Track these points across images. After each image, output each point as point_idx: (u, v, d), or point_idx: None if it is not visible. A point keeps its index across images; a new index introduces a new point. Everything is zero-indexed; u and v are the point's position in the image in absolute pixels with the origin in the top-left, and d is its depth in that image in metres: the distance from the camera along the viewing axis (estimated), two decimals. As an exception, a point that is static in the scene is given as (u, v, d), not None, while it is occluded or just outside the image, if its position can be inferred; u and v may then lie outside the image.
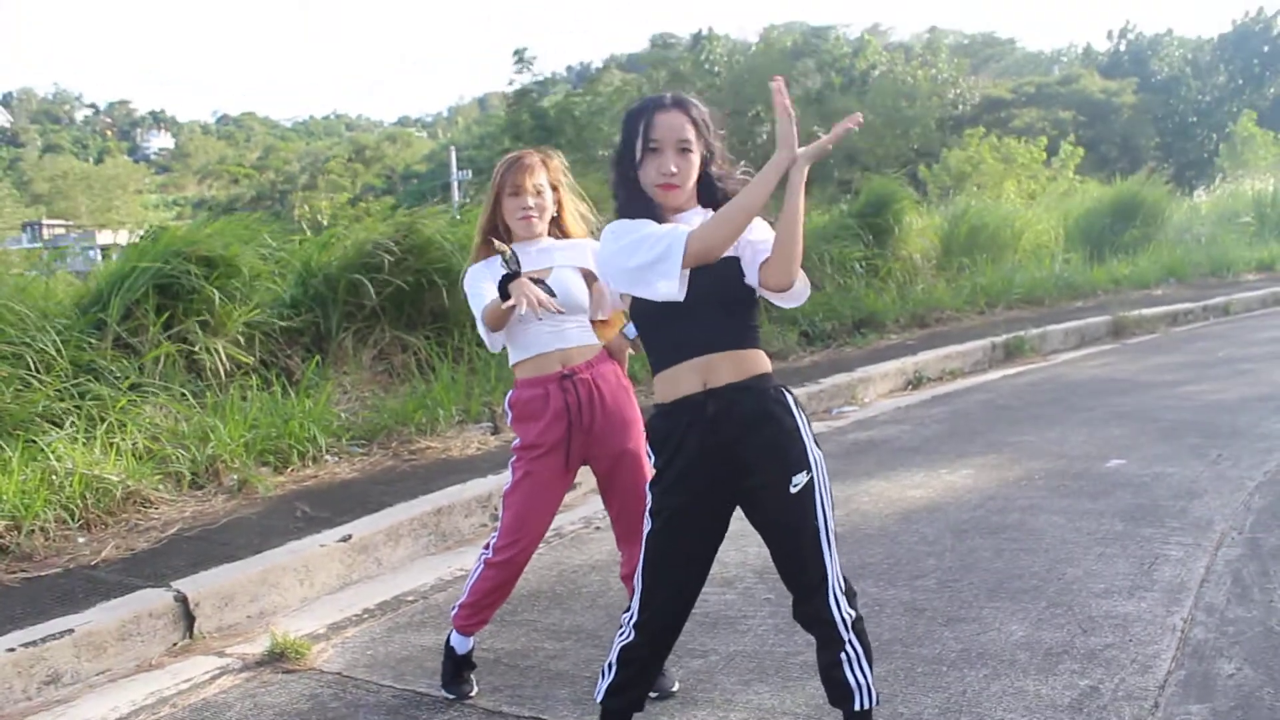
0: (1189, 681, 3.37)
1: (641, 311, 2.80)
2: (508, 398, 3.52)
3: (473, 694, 3.56)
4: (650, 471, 2.86)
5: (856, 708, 2.74)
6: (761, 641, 3.87)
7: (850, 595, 2.76)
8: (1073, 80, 45.60)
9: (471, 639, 3.59)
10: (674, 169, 2.74)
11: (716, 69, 17.68)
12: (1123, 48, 51.24)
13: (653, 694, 3.34)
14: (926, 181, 22.16)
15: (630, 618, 2.85)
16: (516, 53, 18.75)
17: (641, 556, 2.82)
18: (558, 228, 3.59)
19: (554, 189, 3.56)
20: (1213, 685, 3.35)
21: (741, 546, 4.89)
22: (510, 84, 17.99)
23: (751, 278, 2.70)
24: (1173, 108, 43.23)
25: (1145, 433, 6.86)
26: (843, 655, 2.72)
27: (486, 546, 3.48)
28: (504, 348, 3.50)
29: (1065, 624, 3.86)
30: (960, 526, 5.10)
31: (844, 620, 2.71)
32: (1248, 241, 18.89)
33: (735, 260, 2.70)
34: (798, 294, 2.74)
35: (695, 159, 2.78)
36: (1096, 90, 43.20)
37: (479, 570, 3.49)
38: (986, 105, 40.84)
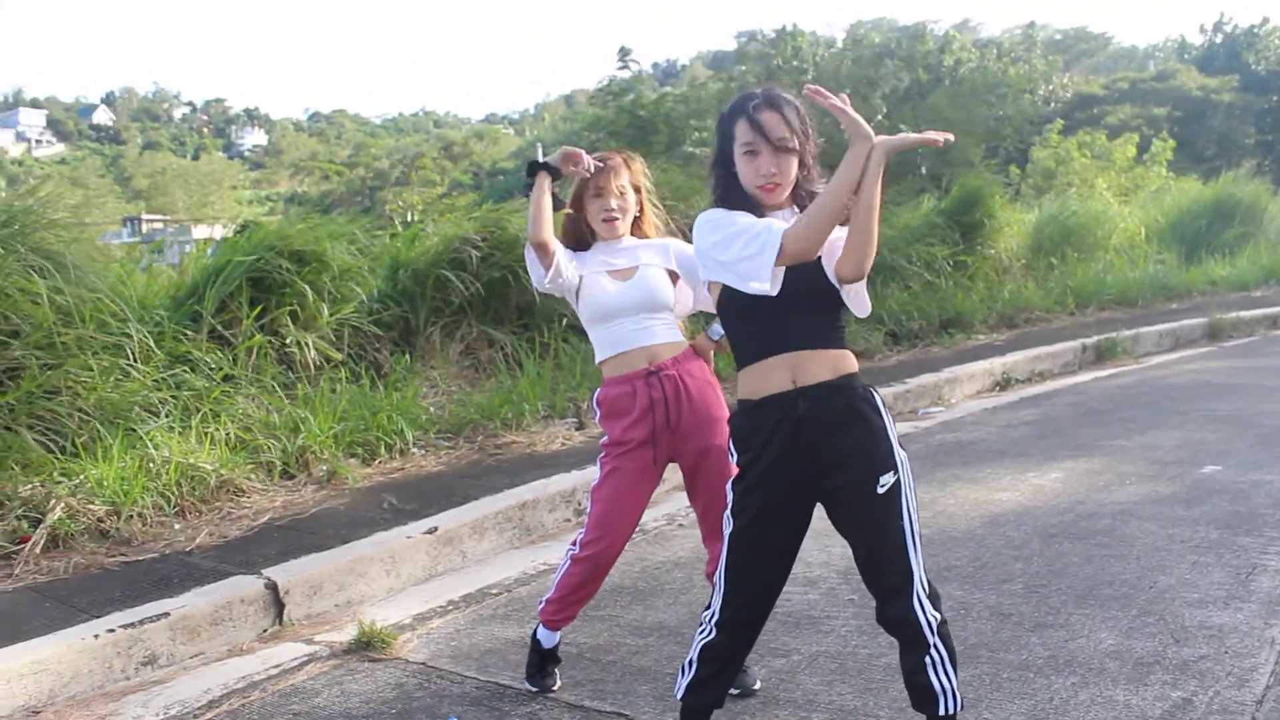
0: (1287, 696, 3.28)
1: (730, 306, 2.80)
2: (595, 395, 3.55)
3: (555, 687, 3.59)
4: (734, 469, 2.86)
5: (941, 713, 2.71)
6: (844, 642, 3.84)
7: (934, 598, 2.72)
8: (1169, 76, 44.46)
9: (558, 634, 3.61)
10: (773, 169, 2.74)
11: (805, 65, 17.56)
12: (1218, 40, 49.85)
13: (734, 691, 3.35)
14: (1018, 181, 21.73)
15: (711, 616, 2.85)
16: (621, 51, 18.78)
17: (723, 554, 2.81)
18: (638, 229, 3.62)
19: (636, 191, 3.59)
20: (1312, 700, 3.25)
21: (825, 546, 4.87)
22: (603, 82, 17.97)
23: (831, 274, 2.69)
24: (1274, 103, 41.86)
25: (1242, 438, 6.68)
26: (927, 659, 2.69)
27: (574, 543, 3.51)
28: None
29: (1157, 633, 3.77)
30: (1048, 531, 5.01)
31: (928, 623, 2.68)
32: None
33: (818, 259, 2.68)
34: (861, 299, 2.73)
35: (794, 158, 2.77)
36: (1194, 86, 42.08)
37: (566, 566, 3.51)
38: (1079, 102, 39.98)
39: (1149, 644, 3.68)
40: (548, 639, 3.59)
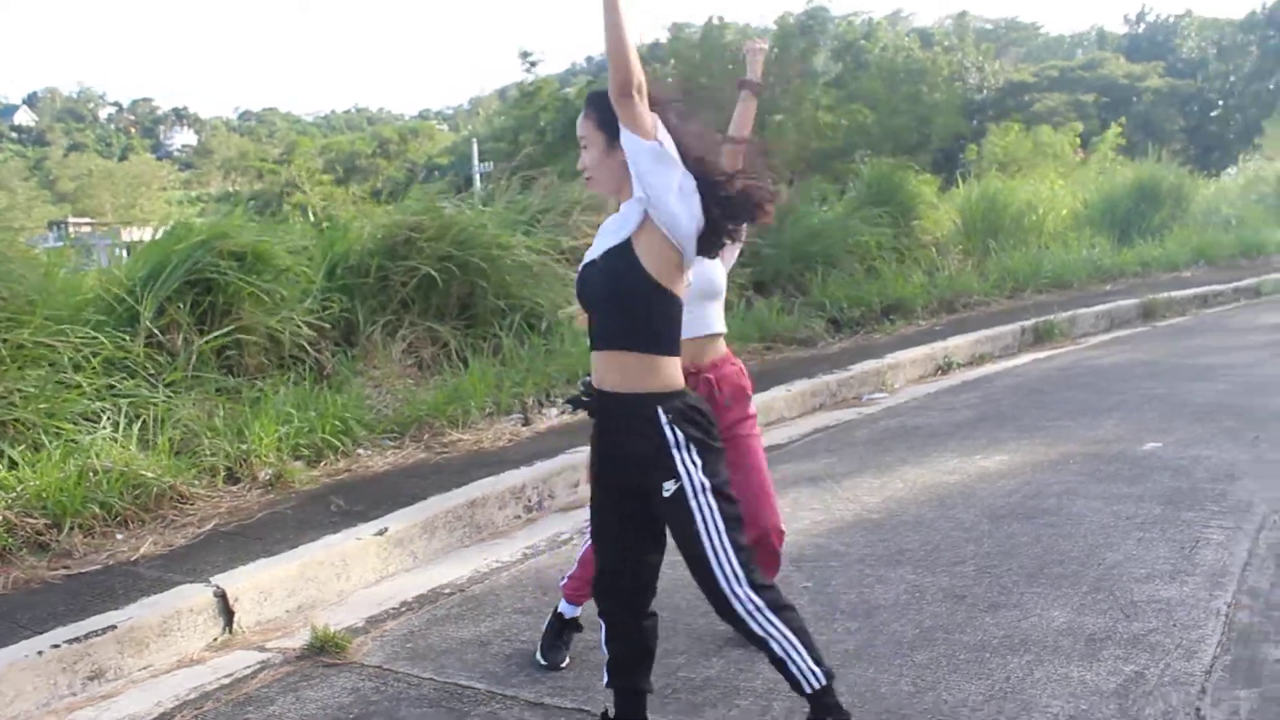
0: (1235, 666, 3.34)
1: None
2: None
3: (564, 664, 3.67)
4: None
5: (808, 691, 2.79)
6: (801, 630, 3.85)
7: (760, 588, 2.77)
8: (1097, 65, 45.14)
9: (580, 607, 3.71)
10: (581, 165, 2.94)
11: (728, 53, 17.58)
12: (1140, 30, 50.73)
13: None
14: (971, 162, 21.97)
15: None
16: (523, 54, 18.83)
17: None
18: None
19: None
20: (1260, 670, 3.32)
21: (777, 535, 4.89)
22: (518, 84, 18.02)
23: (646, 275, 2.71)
24: (1198, 90, 42.70)
25: (1180, 415, 6.81)
26: (773, 649, 2.78)
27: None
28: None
29: (1107, 609, 3.83)
30: (997, 512, 5.06)
31: (755, 619, 2.75)
32: (1278, 222, 18.70)
33: (629, 244, 2.72)
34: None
35: (593, 150, 2.87)
36: (1120, 74, 42.78)
37: (589, 543, 3.51)
38: (1009, 90, 40.50)
39: (1100, 620, 3.74)
40: (570, 610, 3.71)
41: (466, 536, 5.23)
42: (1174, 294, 12.45)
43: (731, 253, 3.54)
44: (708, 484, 2.75)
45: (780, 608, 2.78)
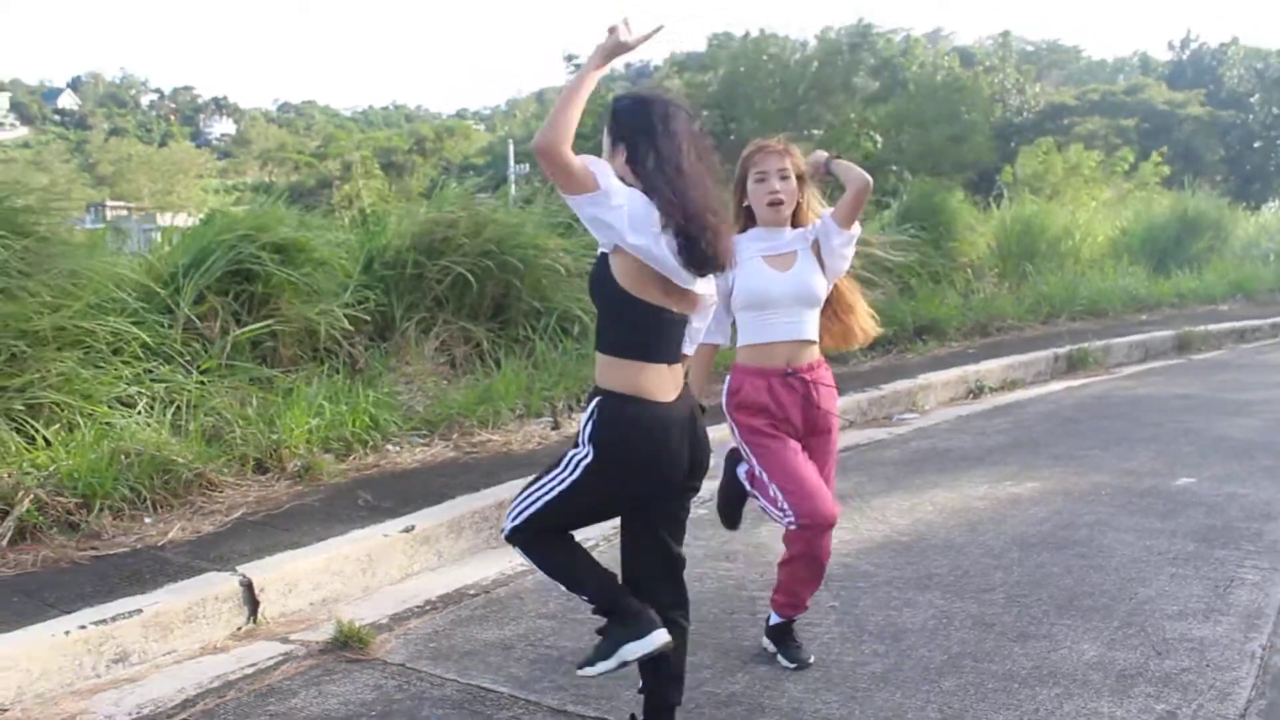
0: (1271, 711, 3.29)
1: None
2: (728, 380, 3.69)
3: (809, 660, 3.72)
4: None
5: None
6: (828, 650, 3.83)
7: (513, 519, 2.95)
8: (1139, 90, 44.90)
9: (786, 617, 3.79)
10: None
11: (771, 66, 17.56)
12: (1184, 57, 50.40)
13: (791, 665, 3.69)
14: (1007, 184, 21.80)
15: None
16: (567, 58, 18.86)
17: None
18: (799, 219, 3.66)
19: (799, 179, 3.62)
20: (1294, 715, 3.27)
21: (805, 552, 4.86)
22: (556, 88, 18.07)
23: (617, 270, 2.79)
24: (1240, 121, 42.33)
25: (1216, 451, 6.73)
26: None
27: (786, 527, 3.57)
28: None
29: (1139, 645, 3.78)
30: (1027, 540, 5.02)
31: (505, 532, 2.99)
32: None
33: (605, 257, 2.81)
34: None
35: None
36: (1161, 100, 42.52)
37: (787, 551, 3.63)
38: (1049, 112, 40.34)
39: (1131, 656, 3.69)
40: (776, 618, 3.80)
41: (493, 538, 5.22)
42: (1210, 327, 12.32)
43: (836, 261, 3.63)
44: (580, 465, 2.84)
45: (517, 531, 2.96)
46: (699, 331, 3.06)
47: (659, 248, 2.72)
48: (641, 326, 2.80)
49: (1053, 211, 15.96)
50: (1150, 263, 16.12)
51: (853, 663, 3.69)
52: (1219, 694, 3.39)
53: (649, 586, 2.95)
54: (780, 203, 3.56)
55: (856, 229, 3.63)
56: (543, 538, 2.95)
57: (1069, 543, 4.96)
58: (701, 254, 2.75)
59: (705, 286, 2.89)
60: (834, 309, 3.79)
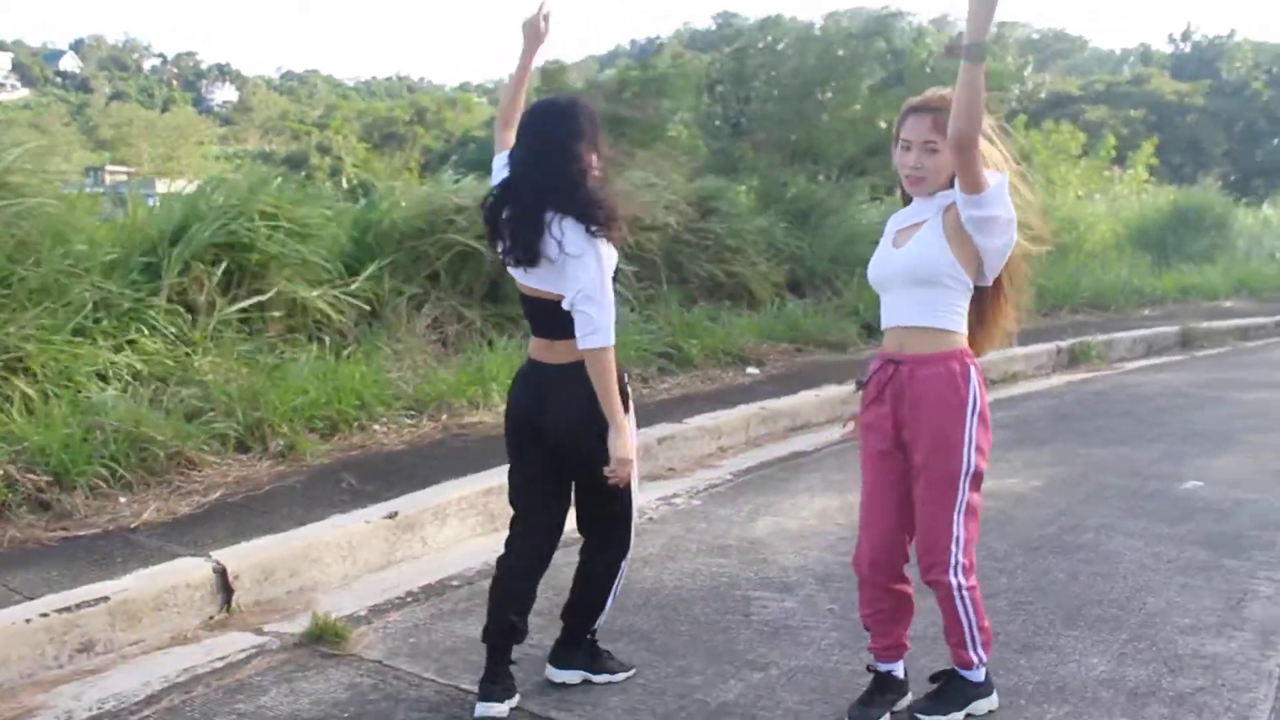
0: (1290, 737, 3.14)
1: None
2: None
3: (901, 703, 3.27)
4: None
5: None
6: (825, 657, 3.67)
7: None
8: (1144, 80, 44.61)
9: (898, 663, 3.28)
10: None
11: (788, 51, 17.29)
12: (1186, 49, 50.09)
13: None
14: None
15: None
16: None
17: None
18: None
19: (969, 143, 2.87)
20: (1314, 742, 3.11)
21: (802, 550, 4.72)
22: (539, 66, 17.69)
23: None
24: (1243, 113, 42.02)
25: (1222, 453, 6.57)
26: None
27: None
28: None
29: (1150, 661, 3.62)
30: (1031, 543, 4.86)
31: None
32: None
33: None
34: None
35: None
36: (1168, 91, 42.24)
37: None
38: (1054, 101, 40.04)
39: (1143, 672, 3.53)
40: (884, 666, 3.28)
41: (479, 525, 5.06)
42: (1214, 324, 12.16)
43: (979, 237, 2.96)
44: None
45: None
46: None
47: None
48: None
49: (1057, 202, 15.74)
50: (1153, 256, 15.94)
51: (851, 671, 3.53)
52: (1236, 716, 3.23)
53: None
54: (921, 179, 3.04)
55: (987, 190, 2.87)
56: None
57: (1074, 547, 4.80)
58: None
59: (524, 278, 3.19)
60: (979, 309, 3.17)
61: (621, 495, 3.27)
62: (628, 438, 3.12)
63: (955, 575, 3.06)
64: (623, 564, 3.41)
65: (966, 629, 3.11)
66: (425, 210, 7.99)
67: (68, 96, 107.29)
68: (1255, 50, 47.59)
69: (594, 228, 3.05)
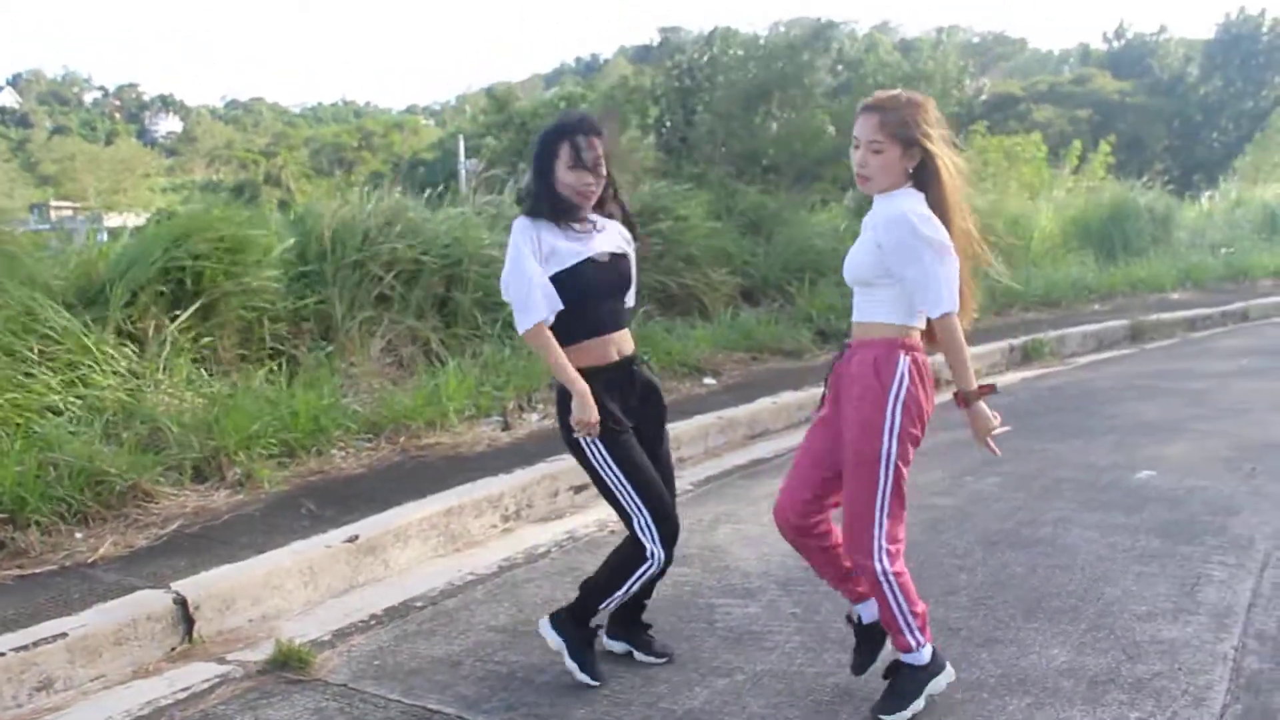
0: (1246, 717, 3.19)
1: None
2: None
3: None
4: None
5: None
6: (790, 660, 3.69)
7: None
8: (1087, 80, 45.24)
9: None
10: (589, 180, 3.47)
11: (733, 63, 17.40)
12: (1118, 46, 50.81)
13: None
14: None
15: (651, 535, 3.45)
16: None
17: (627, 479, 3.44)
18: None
19: (909, 141, 3.13)
20: (1271, 720, 3.17)
21: (764, 555, 4.75)
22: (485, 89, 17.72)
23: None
24: (1180, 109, 42.69)
25: (1173, 443, 6.67)
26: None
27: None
28: None
29: (1109, 649, 3.67)
30: (990, 539, 4.91)
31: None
32: (1265, 247, 18.64)
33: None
34: None
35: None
36: (1111, 90, 42.86)
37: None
38: (997, 103, 40.52)
39: (1102, 660, 3.58)
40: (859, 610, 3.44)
41: (441, 546, 5.04)
42: (1162, 316, 12.35)
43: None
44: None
45: None
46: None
47: None
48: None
49: (1005, 203, 15.92)
50: (1100, 253, 16.16)
51: (816, 674, 3.55)
52: (1193, 699, 3.28)
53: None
54: (867, 179, 3.18)
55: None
56: None
57: (1033, 541, 4.86)
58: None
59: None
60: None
61: (618, 497, 3.48)
62: (581, 399, 3.38)
63: (880, 561, 3.17)
64: (641, 567, 3.47)
65: (899, 615, 3.20)
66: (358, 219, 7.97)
67: (7, 133, 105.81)
68: (1181, 45, 48.31)
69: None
